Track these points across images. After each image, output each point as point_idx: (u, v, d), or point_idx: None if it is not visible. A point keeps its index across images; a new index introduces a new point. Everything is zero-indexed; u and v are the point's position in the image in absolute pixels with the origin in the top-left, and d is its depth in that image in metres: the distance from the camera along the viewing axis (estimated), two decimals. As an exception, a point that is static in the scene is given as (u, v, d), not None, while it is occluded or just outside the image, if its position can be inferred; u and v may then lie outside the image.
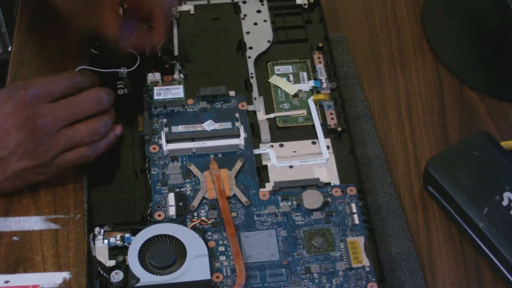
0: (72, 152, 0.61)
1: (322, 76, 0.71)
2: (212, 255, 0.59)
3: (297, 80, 0.71)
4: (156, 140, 0.65)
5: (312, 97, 0.69)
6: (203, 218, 0.61)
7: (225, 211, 0.61)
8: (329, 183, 0.64)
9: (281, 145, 0.66)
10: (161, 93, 0.68)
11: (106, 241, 0.59)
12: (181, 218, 0.61)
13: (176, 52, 0.71)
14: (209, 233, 0.60)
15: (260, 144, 0.66)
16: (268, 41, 0.73)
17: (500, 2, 0.68)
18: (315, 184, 0.63)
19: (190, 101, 0.68)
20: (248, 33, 0.74)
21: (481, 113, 0.72)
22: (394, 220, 0.63)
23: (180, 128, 0.66)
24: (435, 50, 0.76)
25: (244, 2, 0.76)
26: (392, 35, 0.78)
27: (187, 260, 0.58)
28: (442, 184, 0.63)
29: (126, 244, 0.59)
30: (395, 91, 0.73)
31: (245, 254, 0.59)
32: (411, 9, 0.80)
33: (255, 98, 0.69)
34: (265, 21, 0.75)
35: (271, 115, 0.68)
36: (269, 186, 0.63)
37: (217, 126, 0.66)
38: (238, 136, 0.65)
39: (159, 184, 0.63)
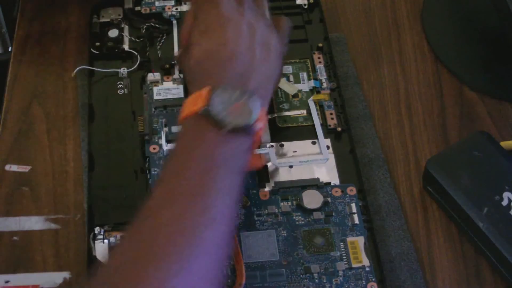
0: None
1: (322, 76, 0.71)
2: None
3: (297, 80, 0.71)
4: (156, 140, 0.65)
5: (312, 97, 0.69)
6: (203, 218, 0.61)
7: (225, 211, 0.61)
8: (329, 183, 0.64)
9: (281, 145, 0.66)
10: (161, 93, 0.68)
11: (106, 241, 0.59)
12: (181, 218, 0.61)
13: (176, 52, 0.71)
14: (209, 233, 0.60)
15: (260, 144, 0.66)
16: (268, 41, 0.73)
17: (500, 2, 0.68)
18: (315, 184, 0.63)
19: (190, 101, 0.68)
20: (248, 33, 0.74)
21: (481, 113, 0.72)
22: (394, 220, 0.63)
23: (180, 128, 0.66)
24: (435, 50, 0.76)
25: (244, 2, 0.76)
26: (392, 35, 0.78)
27: (187, 260, 0.57)
28: (442, 184, 0.63)
29: (126, 244, 0.59)
30: (395, 91, 0.73)
31: (245, 254, 0.59)
32: (411, 9, 0.80)
33: (255, 98, 0.69)
34: (265, 21, 0.75)
35: (271, 115, 0.68)
36: (269, 186, 0.63)
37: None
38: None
39: (159, 184, 0.63)
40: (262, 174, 0.64)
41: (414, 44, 0.77)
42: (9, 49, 1.01)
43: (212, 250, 0.46)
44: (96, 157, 0.64)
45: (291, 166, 0.65)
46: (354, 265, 0.59)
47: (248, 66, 0.55)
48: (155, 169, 0.64)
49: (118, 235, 0.59)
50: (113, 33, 0.66)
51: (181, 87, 0.69)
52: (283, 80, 0.70)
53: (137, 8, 0.74)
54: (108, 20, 0.73)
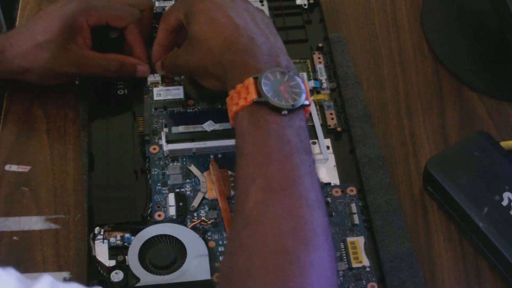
0: None
1: (322, 76, 0.71)
2: (212, 255, 0.59)
3: (297, 80, 0.71)
4: (157, 141, 0.65)
5: (312, 98, 0.69)
6: (203, 218, 0.61)
7: (225, 211, 0.61)
8: (329, 183, 0.64)
9: (281, 145, 0.66)
10: (161, 94, 0.68)
11: (106, 241, 0.59)
12: (181, 218, 0.61)
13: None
14: (209, 233, 0.60)
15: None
16: (268, 42, 0.73)
17: (499, 3, 0.68)
18: (315, 184, 0.63)
19: (191, 102, 0.68)
20: (248, 33, 0.74)
21: (481, 113, 0.72)
22: (394, 220, 0.63)
23: (180, 129, 0.66)
24: (435, 50, 0.76)
25: (244, 3, 0.76)
26: (391, 35, 0.78)
27: (187, 260, 0.58)
28: (442, 184, 0.63)
29: (126, 244, 0.59)
30: (395, 91, 0.73)
31: (245, 254, 0.59)
32: (411, 10, 0.80)
33: (255, 99, 0.69)
34: (265, 21, 0.75)
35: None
36: (269, 186, 0.63)
37: (217, 126, 0.66)
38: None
39: (159, 184, 0.63)
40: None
41: (414, 44, 0.77)
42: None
43: (323, 235, 0.47)
44: (96, 157, 0.64)
45: (291, 166, 0.65)
46: (354, 265, 0.59)
47: (269, 45, 0.55)
48: (155, 169, 0.64)
49: (118, 235, 0.60)
50: (114, 33, 0.66)
51: (181, 88, 0.69)
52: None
53: (137, 9, 0.74)
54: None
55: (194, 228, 0.60)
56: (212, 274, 0.57)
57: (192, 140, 0.65)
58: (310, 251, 0.46)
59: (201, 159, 0.64)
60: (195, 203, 0.62)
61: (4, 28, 0.88)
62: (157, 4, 0.75)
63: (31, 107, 0.69)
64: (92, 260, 0.58)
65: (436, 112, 0.72)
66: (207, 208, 0.62)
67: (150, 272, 0.57)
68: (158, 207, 0.62)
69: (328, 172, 0.65)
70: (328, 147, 0.66)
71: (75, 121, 0.68)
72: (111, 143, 0.65)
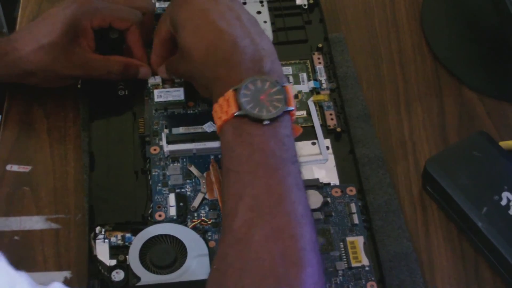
0: None
1: (322, 76, 0.71)
2: (213, 255, 0.59)
3: (297, 81, 0.71)
4: (157, 142, 0.65)
5: (312, 98, 0.69)
6: (204, 218, 0.61)
7: (225, 211, 0.61)
8: (329, 183, 0.64)
9: (281, 146, 0.66)
10: (161, 95, 0.68)
11: (107, 240, 0.59)
12: (181, 218, 0.61)
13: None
14: (210, 233, 0.61)
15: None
16: (268, 42, 0.73)
17: (499, 3, 0.69)
18: (314, 184, 0.63)
19: (191, 104, 0.68)
20: (248, 34, 0.74)
21: (480, 113, 0.72)
22: (394, 219, 0.63)
23: (181, 130, 0.66)
24: (434, 50, 0.76)
25: (244, 3, 0.76)
26: (391, 36, 0.78)
27: (188, 259, 0.58)
28: (441, 184, 0.63)
29: (127, 243, 0.59)
30: (395, 91, 0.73)
31: (245, 254, 0.59)
32: (410, 10, 0.80)
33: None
34: (265, 22, 0.75)
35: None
36: (269, 186, 0.64)
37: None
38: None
39: (159, 185, 0.63)
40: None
41: (414, 44, 0.77)
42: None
43: (312, 251, 0.47)
44: (97, 158, 0.64)
45: (291, 166, 0.65)
46: (353, 265, 0.59)
47: (253, 48, 0.54)
48: (156, 170, 0.64)
49: (119, 234, 0.60)
50: (114, 34, 0.66)
51: (181, 89, 0.69)
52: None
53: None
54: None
55: (194, 228, 0.60)
56: (212, 274, 0.57)
57: (193, 141, 0.65)
58: (300, 269, 0.46)
59: (202, 160, 0.65)
60: (196, 203, 0.62)
61: (4, 28, 0.88)
62: (157, 5, 0.75)
63: (32, 107, 0.69)
64: (93, 259, 0.58)
65: (435, 112, 0.72)
66: (207, 208, 0.62)
67: (151, 272, 0.57)
68: (159, 207, 0.62)
69: (327, 172, 0.65)
70: (327, 148, 0.66)
71: (76, 121, 0.68)
72: (111, 144, 0.65)
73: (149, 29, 0.70)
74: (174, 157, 0.65)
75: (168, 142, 0.65)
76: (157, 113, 0.67)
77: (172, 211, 0.61)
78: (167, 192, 0.63)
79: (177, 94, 0.68)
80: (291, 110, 0.52)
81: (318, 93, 0.70)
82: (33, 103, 0.70)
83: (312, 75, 0.71)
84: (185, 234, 0.59)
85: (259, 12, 0.75)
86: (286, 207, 0.48)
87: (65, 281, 0.59)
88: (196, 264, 0.58)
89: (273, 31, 0.74)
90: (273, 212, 0.47)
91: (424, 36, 0.78)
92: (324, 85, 0.71)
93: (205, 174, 0.64)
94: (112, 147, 0.65)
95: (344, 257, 0.60)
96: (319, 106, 0.69)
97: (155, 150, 0.65)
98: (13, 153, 0.66)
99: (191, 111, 0.68)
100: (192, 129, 0.66)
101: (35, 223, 0.62)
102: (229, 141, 0.51)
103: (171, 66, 0.64)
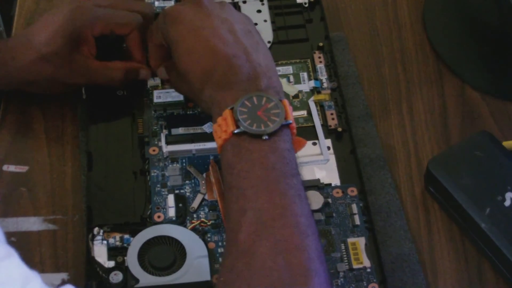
0: None
1: (323, 76, 0.71)
2: (212, 256, 0.59)
3: (297, 81, 0.70)
4: (156, 142, 0.65)
5: (312, 98, 0.69)
6: (203, 219, 0.61)
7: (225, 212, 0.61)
8: (330, 184, 0.64)
9: (282, 146, 0.66)
10: (161, 96, 0.68)
11: (105, 242, 0.59)
12: (181, 219, 0.61)
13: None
14: (209, 235, 0.60)
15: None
16: (268, 42, 0.73)
17: (502, 1, 0.68)
18: (315, 185, 0.63)
19: (191, 105, 0.68)
20: (248, 33, 0.73)
21: (483, 113, 0.71)
22: (395, 220, 0.63)
23: (180, 130, 0.65)
24: (437, 49, 0.76)
25: (244, 2, 0.76)
26: (393, 34, 0.77)
27: (187, 261, 0.57)
28: (444, 184, 0.63)
29: (125, 245, 0.59)
30: (396, 91, 0.73)
31: (245, 256, 0.59)
32: (412, 8, 0.80)
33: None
34: (265, 21, 0.74)
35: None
36: (269, 187, 0.63)
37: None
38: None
39: (158, 185, 0.63)
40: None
41: (416, 43, 0.77)
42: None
43: (318, 260, 0.47)
44: (95, 158, 0.64)
45: (291, 167, 0.64)
46: (355, 266, 0.59)
47: (248, 66, 0.54)
48: (155, 170, 0.63)
49: (117, 236, 0.59)
50: (113, 36, 0.66)
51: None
52: (283, 80, 0.70)
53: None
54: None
55: (193, 229, 0.60)
56: (211, 275, 0.57)
57: (192, 141, 0.64)
58: (308, 280, 0.46)
59: (201, 161, 0.64)
60: (195, 204, 0.62)
61: (1, 26, 0.87)
62: (156, 4, 0.74)
63: (29, 107, 0.69)
64: (90, 261, 0.58)
65: (437, 111, 0.71)
66: (206, 209, 0.62)
67: (150, 273, 0.57)
68: (158, 208, 0.61)
69: (328, 173, 0.64)
70: (328, 148, 0.66)
71: (74, 121, 0.68)
72: (109, 144, 0.65)
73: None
74: (173, 157, 0.64)
75: (167, 143, 0.64)
76: (156, 113, 0.67)
77: (171, 212, 0.61)
78: (166, 193, 0.62)
79: (176, 94, 0.68)
80: (290, 124, 0.52)
81: (319, 92, 0.70)
82: (30, 102, 0.69)
83: (313, 74, 0.71)
84: (184, 235, 0.59)
85: (259, 11, 0.75)
86: (290, 219, 0.48)
87: (63, 283, 0.58)
88: (196, 266, 0.57)
89: (274, 30, 0.74)
90: (276, 225, 0.48)
91: (426, 34, 0.77)
92: (325, 85, 0.70)
93: (204, 175, 0.63)
94: (110, 147, 0.65)
95: (345, 258, 0.59)
96: (320, 105, 0.69)
97: (154, 150, 0.64)
98: (10, 153, 0.66)
99: (191, 112, 0.67)
100: (191, 130, 0.66)
101: (32, 224, 0.62)
102: (229, 159, 0.51)
103: (172, 78, 0.63)
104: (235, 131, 0.51)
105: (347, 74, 0.72)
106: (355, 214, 0.62)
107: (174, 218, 0.61)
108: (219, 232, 0.60)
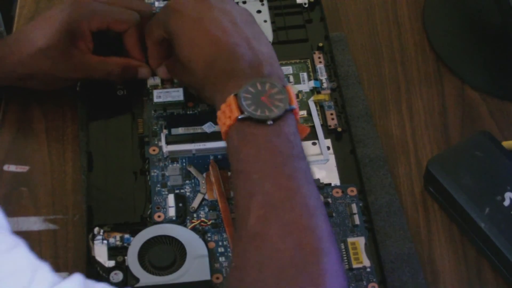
0: None
1: (323, 76, 0.71)
2: (212, 255, 0.59)
3: (297, 81, 0.70)
4: (156, 142, 0.65)
5: (312, 98, 0.69)
6: (203, 219, 0.61)
7: (225, 212, 0.61)
8: (330, 184, 0.64)
9: (282, 145, 0.66)
10: (161, 96, 0.68)
11: (105, 241, 0.59)
12: (181, 219, 0.61)
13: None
14: (209, 234, 0.60)
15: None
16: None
17: (502, 1, 0.68)
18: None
19: (191, 104, 0.68)
20: (248, 33, 0.73)
21: (483, 113, 0.71)
22: (395, 220, 0.63)
23: (180, 130, 0.65)
24: (436, 49, 0.76)
25: (244, 2, 0.76)
26: (393, 34, 0.77)
27: (187, 260, 0.57)
28: (444, 184, 0.63)
29: (125, 244, 0.59)
30: (396, 90, 0.73)
31: (245, 255, 0.59)
32: (412, 8, 0.80)
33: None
34: (265, 21, 0.74)
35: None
36: (269, 187, 0.63)
37: (217, 128, 0.66)
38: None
39: (158, 185, 0.63)
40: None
41: (415, 43, 0.77)
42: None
43: (329, 240, 0.48)
44: (95, 158, 0.64)
45: (291, 167, 0.64)
46: (354, 266, 0.59)
47: (251, 54, 0.55)
48: (155, 170, 0.63)
49: (118, 235, 0.59)
50: (111, 33, 0.66)
51: (181, 90, 0.68)
52: (283, 80, 0.70)
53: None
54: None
55: (194, 229, 0.60)
56: (212, 275, 0.57)
57: (192, 141, 0.64)
58: (319, 259, 0.46)
59: (201, 160, 0.64)
60: (195, 204, 0.62)
61: (2, 26, 0.87)
62: (156, 4, 0.74)
63: (30, 107, 0.69)
64: (91, 260, 0.58)
65: (437, 111, 0.72)
66: (206, 209, 0.62)
67: (150, 273, 0.57)
68: (158, 208, 0.61)
69: (328, 173, 0.64)
70: (328, 148, 0.66)
71: (74, 120, 0.68)
72: (110, 144, 0.65)
73: None
74: (173, 157, 0.64)
75: (167, 143, 0.64)
76: (156, 113, 0.67)
77: (171, 212, 0.61)
78: (166, 192, 0.62)
79: (176, 94, 0.68)
80: (294, 109, 0.53)
81: (318, 92, 0.70)
82: (31, 102, 0.69)
83: (313, 74, 0.71)
84: (184, 235, 0.59)
85: (259, 11, 0.75)
86: (298, 201, 0.48)
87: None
88: (196, 265, 0.57)
89: (273, 30, 0.74)
90: (285, 207, 0.48)
91: (426, 34, 0.77)
92: (325, 85, 0.70)
93: (204, 175, 0.63)
94: (110, 147, 0.65)
95: (345, 258, 0.60)
96: (320, 105, 0.69)
97: (154, 150, 0.65)
98: (10, 153, 0.66)
99: (191, 112, 0.67)
100: (191, 130, 0.66)
101: (32, 223, 0.62)
102: (235, 144, 0.51)
103: (174, 73, 0.64)
104: (240, 117, 0.51)
105: (347, 74, 0.72)
106: (355, 214, 0.62)
107: (174, 218, 0.61)
108: (219, 232, 0.60)
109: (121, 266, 0.57)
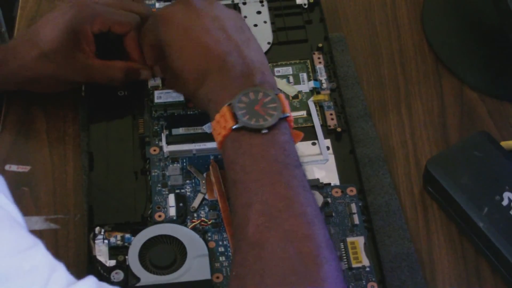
0: None
1: (322, 76, 0.71)
2: (212, 255, 0.59)
3: (297, 81, 0.71)
4: (157, 142, 0.65)
5: (312, 98, 0.69)
6: (203, 218, 0.61)
7: (225, 211, 0.61)
8: (329, 184, 0.64)
9: (281, 146, 0.66)
10: (161, 96, 0.68)
11: (106, 241, 0.59)
12: (181, 219, 0.61)
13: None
14: (209, 234, 0.60)
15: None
16: (268, 43, 0.73)
17: (500, 2, 0.68)
18: (315, 184, 0.63)
19: (191, 105, 0.68)
20: (248, 34, 0.74)
21: (481, 113, 0.72)
22: (394, 220, 0.63)
23: (181, 131, 0.66)
24: (435, 49, 0.76)
25: (244, 3, 0.76)
26: (392, 35, 0.78)
27: (187, 260, 0.58)
28: (442, 184, 0.63)
29: (126, 244, 0.59)
30: (395, 91, 0.73)
31: (245, 255, 0.59)
32: (411, 9, 0.80)
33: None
34: (265, 22, 0.75)
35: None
36: (269, 187, 0.63)
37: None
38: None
39: (159, 185, 0.63)
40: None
41: (414, 44, 0.77)
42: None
43: (327, 247, 0.48)
44: (96, 158, 0.64)
45: (291, 167, 0.65)
46: (354, 265, 0.59)
47: (242, 62, 0.54)
48: (155, 170, 0.64)
49: (118, 235, 0.60)
50: (113, 34, 0.66)
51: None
52: (283, 81, 0.70)
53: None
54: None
55: (194, 229, 0.60)
56: (212, 274, 0.57)
57: (192, 141, 0.65)
58: (320, 267, 0.46)
59: (201, 160, 0.64)
60: (195, 203, 0.62)
61: (3, 27, 0.87)
62: (157, 5, 0.75)
63: (31, 107, 0.69)
64: (92, 260, 0.58)
65: (436, 112, 0.72)
66: (207, 209, 0.62)
67: (150, 272, 0.57)
68: (158, 207, 0.62)
69: (328, 173, 0.65)
70: (328, 148, 0.66)
71: (75, 121, 0.68)
72: (111, 144, 0.65)
73: None
74: (174, 157, 0.64)
75: (168, 143, 0.64)
76: (157, 114, 0.67)
77: (172, 212, 0.61)
78: (166, 192, 0.62)
79: (176, 95, 0.68)
80: (288, 117, 0.53)
81: (318, 93, 0.70)
82: (32, 102, 0.69)
83: (313, 75, 0.71)
84: (184, 234, 0.59)
85: (259, 12, 0.75)
86: (296, 209, 0.49)
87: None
88: (196, 265, 0.57)
89: (273, 31, 0.74)
90: (283, 216, 0.48)
91: (425, 35, 0.77)
92: (325, 85, 0.70)
93: (205, 175, 0.63)
94: (111, 147, 0.65)
95: (345, 257, 0.60)
96: (319, 106, 0.69)
97: (154, 150, 0.65)
98: (12, 153, 0.66)
99: (191, 112, 0.68)
100: (192, 130, 0.66)
101: (34, 223, 0.62)
102: (230, 154, 0.52)
103: (166, 76, 0.63)
104: (234, 127, 0.51)
105: (346, 75, 0.72)
106: (354, 213, 0.62)
107: (174, 218, 0.61)
108: (219, 231, 0.61)
109: (122, 265, 0.58)
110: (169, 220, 0.61)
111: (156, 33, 0.59)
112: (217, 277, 0.58)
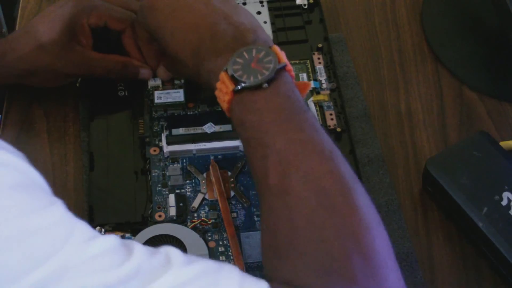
0: None
1: (322, 76, 0.71)
2: (212, 255, 0.59)
3: (297, 82, 0.71)
4: (157, 142, 0.65)
5: (312, 98, 0.69)
6: (204, 218, 0.61)
7: (225, 211, 0.61)
8: (329, 183, 0.64)
9: (281, 146, 0.66)
10: (161, 96, 0.68)
11: (106, 241, 0.59)
12: (181, 218, 0.61)
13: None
14: (209, 234, 0.61)
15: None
16: (268, 42, 0.73)
17: (500, 2, 0.68)
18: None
19: (191, 105, 0.68)
20: (248, 34, 0.74)
21: (481, 113, 0.72)
22: (394, 220, 0.63)
23: (181, 131, 0.66)
24: (435, 50, 0.76)
25: (244, 4, 0.76)
26: (391, 35, 0.78)
27: (188, 260, 0.58)
28: (442, 184, 0.63)
29: (126, 244, 0.59)
30: (395, 91, 0.73)
31: (245, 254, 0.59)
32: (411, 9, 0.80)
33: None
34: (265, 22, 0.75)
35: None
36: (269, 187, 0.63)
37: (217, 128, 0.66)
38: (238, 138, 0.65)
39: (159, 185, 0.63)
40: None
41: (414, 44, 0.77)
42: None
43: (352, 177, 0.48)
44: (96, 158, 0.64)
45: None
46: (354, 265, 0.59)
47: (232, 28, 0.55)
48: (156, 170, 0.64)
49: (119, 235, 0.60)
50: (114, 35, 0.66)
51: (181, 91, 0.68)
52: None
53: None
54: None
55: (194, 228, 0.60)
56: (212, 274, 0.57)
57: (193, 141, 0.65)
58: (349, 195, 0.47)
59: (201, 161, 0.65)
60: (195, 203, 0.62)
61: (4, 27, 0.88)
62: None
63: (32, 107, 0.69)
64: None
65: (436, 112, 0.72)
66: (207, 209, 0.62)
67: (151, 272, 0.57)
68: (159, 207, 0.62)
69: (328, 172, 0.65)
70: (328, 147, 0.66)
71: (75, 121, 0.68)
72: (111, 144, 0.65)
73: None
74: (174, 157, 0.65)
75: (168, 143, 0.65)
76: (157, 114, 0.67)
77: (172, 212, 0.61)
78: (167, 192, 0.63)
79: (177, 95, 0.68)
80: (285, 66, 0.53)
81: (318, 93, 0.70)
82: (33, 102, 0.70)
83: (312, 75, 0.71)
84: (185, 234, 0.59)
85: (259, 13, 0.75)
86: (311, 150, 0.49)
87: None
88: (196, 265, 0.57)
89: (273, 31, 0.74)
90: (300, 159, 0.48)
91: (425, 35, 0.77)
92: (324, 85, 0.71)
93: (205, 175, 0.64)
94: (111, 147, 0.65)
95: (344, 257, 0.60)
96: (319, 106, 0.69)
97: (154, 151, 0.65)
98: (12, 153, 0.66)
99: (191, 112, 0.68)
100: (192, 130, 0.66)
101: (34, 223, 0.62)
102: (238, 116, 0.52)
103: (170, 69, 0.64)
104: (235, 89, 0.52)
105: (346, 75, 0.73)
106: (354, 213, 0.62)
107: (175, 217, 0.61)
108: (219, 231, 0.61)
109: (122, 265, 0.58)
110: (169, 220, 0.61)
111: (145, 25, 0.60)
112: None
